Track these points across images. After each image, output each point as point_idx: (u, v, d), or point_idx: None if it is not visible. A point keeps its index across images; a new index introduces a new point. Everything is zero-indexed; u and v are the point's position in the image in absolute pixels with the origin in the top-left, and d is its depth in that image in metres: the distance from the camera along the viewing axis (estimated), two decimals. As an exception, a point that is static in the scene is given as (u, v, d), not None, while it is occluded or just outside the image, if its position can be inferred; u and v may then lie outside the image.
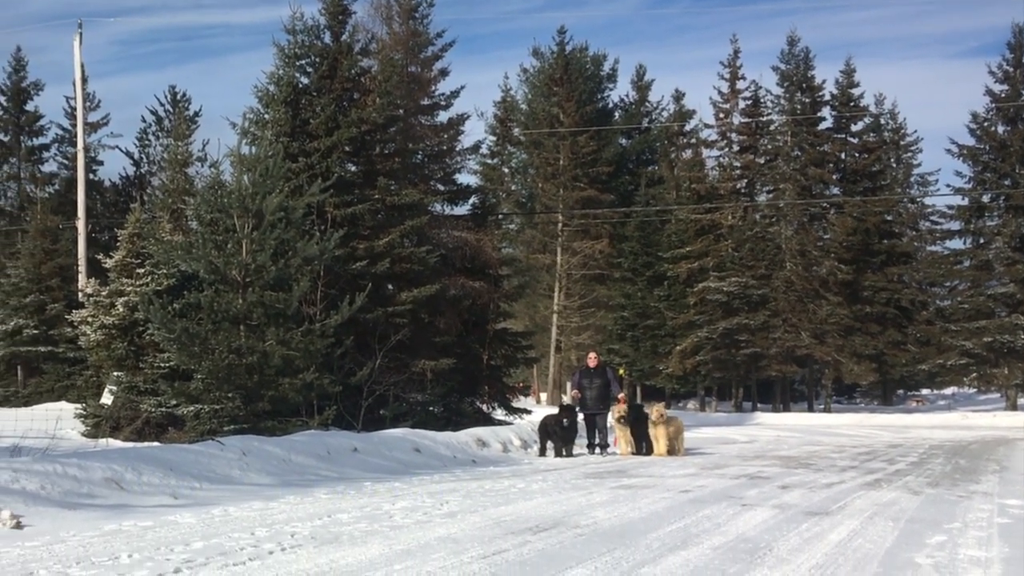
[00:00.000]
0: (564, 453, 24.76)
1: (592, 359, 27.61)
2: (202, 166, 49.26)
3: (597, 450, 26.07)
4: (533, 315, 68.44)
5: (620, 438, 25.88)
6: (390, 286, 33.04)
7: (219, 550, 9.79)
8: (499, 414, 37.48)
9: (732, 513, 12.85)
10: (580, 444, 25.95)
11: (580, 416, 26.06)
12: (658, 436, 24.91)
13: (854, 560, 9.69)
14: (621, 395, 27.53)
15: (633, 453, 25.33)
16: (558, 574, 8.74)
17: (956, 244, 65.69)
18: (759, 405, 69.40)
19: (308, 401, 25.32)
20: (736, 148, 69.13)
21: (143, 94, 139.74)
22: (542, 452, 25.27)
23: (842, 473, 19.71)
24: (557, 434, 24.98)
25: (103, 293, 29.42)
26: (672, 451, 24.83)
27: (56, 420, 23.39)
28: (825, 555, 9.93)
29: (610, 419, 26.75)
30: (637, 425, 25.61)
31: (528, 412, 38.69)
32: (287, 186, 26.88)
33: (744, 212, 66.63)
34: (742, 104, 68.42)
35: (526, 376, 71.62)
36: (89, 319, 29.42)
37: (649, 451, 25.10)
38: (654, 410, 25.54)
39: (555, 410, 28.18)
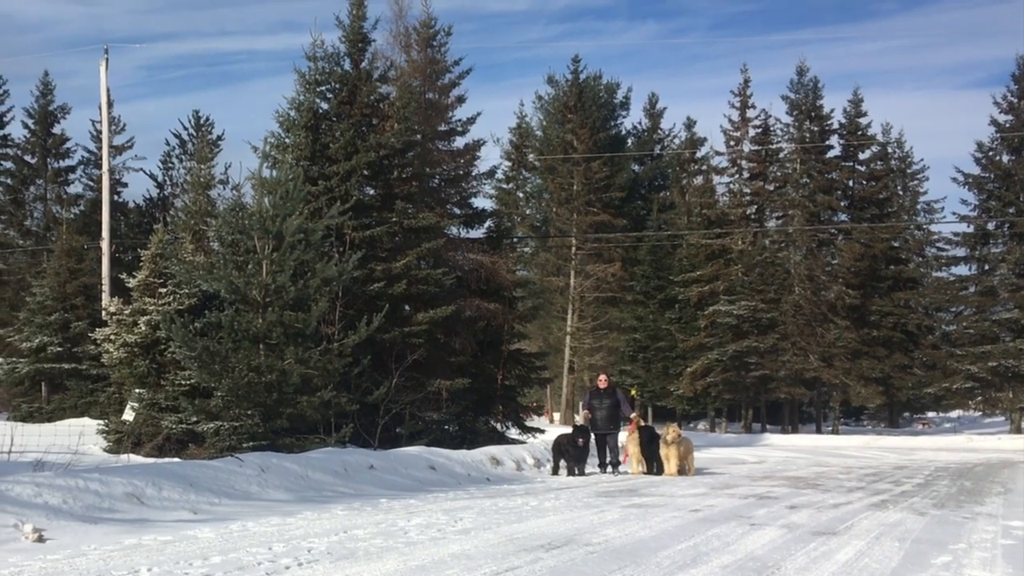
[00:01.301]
0: (576, 472, 24.67)
1: (602, 380, 27.34)
2: (224, 189, 49.17)
3: (609, 469, 25.81)
4: (547, 336, 68.47)
5: (631, 457, 25.88)
6: (407, 307, 33.06)
7: (237, 564, 9.77)
8: (513, 433, 37.47)
9: (741, 532, 12.80)
10: (592, 463, 25.82)
11: (592, 436, 25.96)
12: (670, 456, 24.85)
13: (861, 580, 9.66)
14: (634, 415, 27.43)
15: (644, 472, 25.35)
16: (570, 591, 8.71)
17: (961, 270, 65.86)
18: (768, 426, 69.24)
19: (326, 419, 25.32)
20: (746, 175, 69.36)
21: (167, 118, 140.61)
22: (555, 471, 25.20)
23: (849, 494, 19.64)
24: (570, 453, 24.90)
25: (126, 312, 29.43)
26: (683, 471, 24.77)
27: (79, 436, 23.48)
28: (832, 574, 9.90)
29: (622, 438, 26.73)
30: (649, 445, 25.63)
31: (541, 431, 38.65)
32: (307, 209, 26.94)
33: (754, 237, 66.78)
34: (752, 132, 68.68)
35: (539, 396, 71.63)
36: (112, 337, 29.44)
37: (660, 471, 25.01)
38: (669, 430, 25.41)
39: (568, 430, 28.11)
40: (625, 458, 26.23)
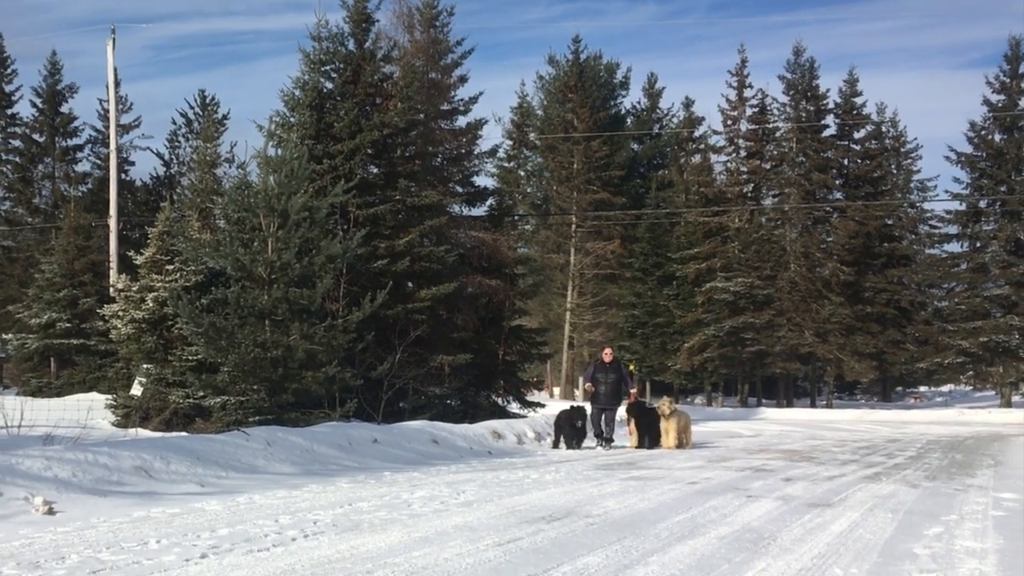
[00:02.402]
0: (574, 445, 24.71)
1: (607, 354, 26.83)
2: (230, 167, 49.23)
3: (604, 443, 25.51)
4: (547, 312, 68.40)
5: (633, 432, 25.86)
6: (410, 284, 33.03)
7: (244, 536, 9.79)
8: (514, 407, 37.49)
9: (738, 504, 12.83)
10: (589, 436, 25.72)
11: (590, 410, 25.85)
12: (668, 429, 24.95)
13: (855, 550, 9.66)
14: (633, 390, 27.34)
15: (638, 446, 25.36)
16: (570, 562, 8.72)
17: (954, 247, 66.16)
18: (764, 401, 69.38)
19: (330, 394, 25.32)
20: (743, 154, 69.41)
21: (174, 97, 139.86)
22: (556, 444, 25.16)
23: (843, 466, 19.66)
24: (567, 431, 24.96)
25: (134, 288, 29.41)
26: (680, 444, 24.86)
27: (87, 410, 23.41)
28: (827, 545, 9.91)
29: (621, 412, 26.70)
30: (642, 419, 25.66)
31: (542, 406, 38.66)
32: (311, 187, 26.88)
33: (750, 215, 66.79)
34: (749, 112, 68.67)
35: (540, 371, 71.56)
36: (120, 313, 29.42)
37: (654, 444, 25.10)
38: (663, 403, 25.54)
39: (569, 405, 28.12)
40: (631, 431, 26.15)
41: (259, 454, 16.92)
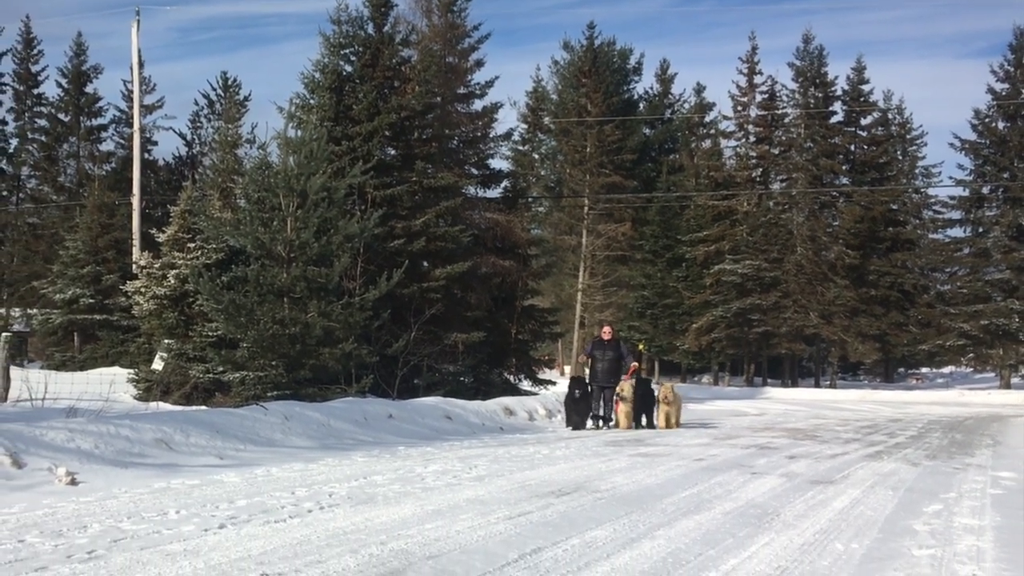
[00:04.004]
0: (576, 425, 24.06)
1: (606, 332, 26.05)
2: (250, 148, 49.02)
3: (600, 423, 24.83)
4: (559, 293, 68.36)
5: (620, 413, 24.54)
6: (425, 263, 33.05)
7: (261, 508, 9.81)
8: (525, 385, 37.57)
9: (742, 481, 12.83)
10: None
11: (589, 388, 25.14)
12: (667, 413, 24.55)
13: (856, 526, 9.67)
14: (633, 365, 26.85)
15: (629, 427, 24.24)
16: (579, 535, 8.73)
17: (957, 232, 66.38)
18: (769, 380, 69.38)
19: (347, 370, 25.34)
20: (752, 139, 69.55)
21: (196, 79, 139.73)
22: (568, 422, 24.90)
23: (846, 445, 19.66)
24: (569, 407, 24.50)
25: (156, 266, 29.42)
26: (668, 424, 24.44)
27: (110, 384, 23.45)
28: (829, 521, 9.91)
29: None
30: (643, 400, 24.83)
31: (552, 383, 38.74)
32: (330, 168, 26.92)
33: (758, 199, 66.86)
34: (759, 98, 68.73)
35: (551, 350, 71.57)
36: (142, 290, 29.43)
37: (649, 424, 24.62)
38: (665, 389, 25.12)
39: (568, 379, 27.89)
40: (618, 410, 24.72)
41: (277, 428, 16.95)
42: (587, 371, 26.05)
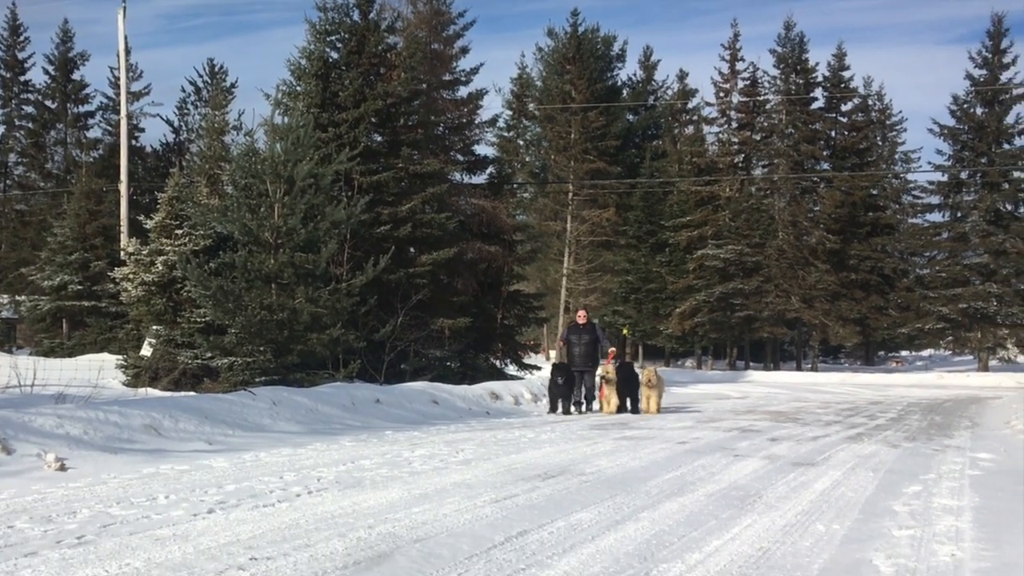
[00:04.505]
0: (560, 410, 23.75)
1: (581, 316, 25.92)
2: (238, 134, 49.00)
3: (583, 407, 24.69)
4: (544, 278, 68.40)
5: (605, 397, 24.34)
6: (411, 249, 33.07)
7: (250, 492, 9.82)
8: (511, 370, 37.63)
9: (725, 463, 12.87)
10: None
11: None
12: (650, 396, 24.19)
13: (837, 507, 9.70)
14: (612, 349, 26.72)
15: (618, 411, 24.01)
16: (564, 517, 8.75)
17: (935, 217, 66.62)
18: (751, 364, 69.59)
19: (334, 355, 25.39)
20: (734, 125, 69.94)
21: (183, 66, 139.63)
22: (552, 408, 24.63)
23: (827, 427, 19.72)
24: (553, 392, 24.22)
25: (144, 252, 29.39)
26: (651, 408, 24.09)
27: (98, 370, 23.43)
28: (810, 502, 9.94)
29: (598, 375, 25.51)
30: (627, 384, 24.48)
31: (538, 368, 38.76)
32: (317, 154, 26.91)
33: (741, 185, 67.24)
34: (741, 84, 69.42)
35: (537, 335, 71.64)
36: (130, 276, 29.41)
37: (635, 409, 24.19)
38: (648, 372, 24.68)
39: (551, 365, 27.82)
40: (602, 395, 24.51)
41: (265, 413, 16.96)
42: (563, 356, 25.93)
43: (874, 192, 70.79)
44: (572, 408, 24.30)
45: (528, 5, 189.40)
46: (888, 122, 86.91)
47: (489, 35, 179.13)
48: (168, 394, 21.99)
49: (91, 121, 72.79)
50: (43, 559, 6.88)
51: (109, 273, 35.20)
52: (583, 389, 24.84)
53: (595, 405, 24.85)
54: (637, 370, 25.71)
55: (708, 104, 72.40)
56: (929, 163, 70.51)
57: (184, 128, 70.01)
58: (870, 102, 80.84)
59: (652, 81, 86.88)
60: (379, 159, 32.63)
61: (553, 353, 70.49)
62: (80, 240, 43.78)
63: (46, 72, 71.68)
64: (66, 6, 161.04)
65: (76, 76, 71.98)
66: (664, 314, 66.18)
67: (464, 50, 40.63)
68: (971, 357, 69.40)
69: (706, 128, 73.78)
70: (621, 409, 24.12)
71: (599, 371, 24.79)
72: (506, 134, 74.78)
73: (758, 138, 68.56)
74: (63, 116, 71.44)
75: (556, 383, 24.04)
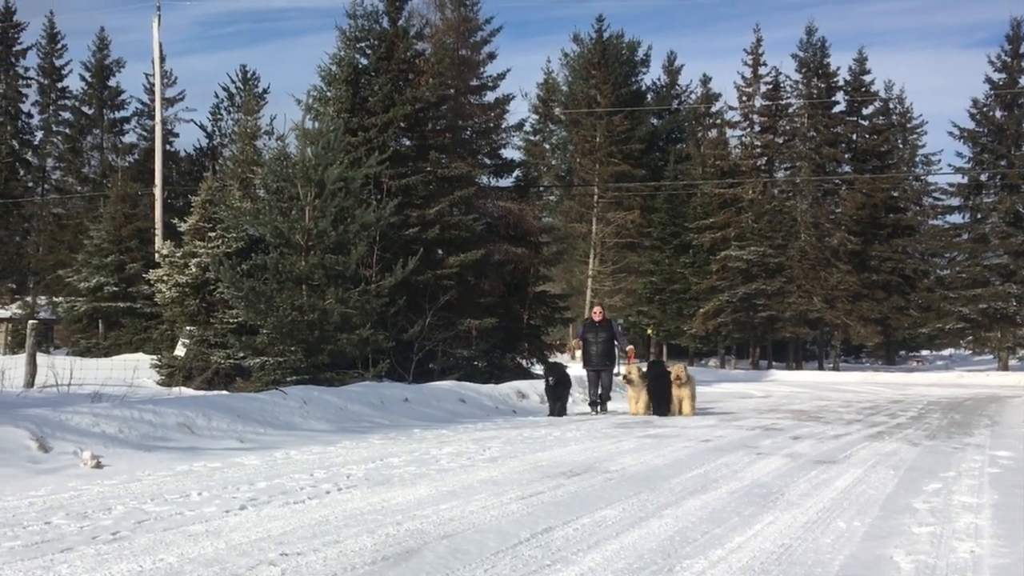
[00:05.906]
0: (556, 412, 22.50)
1: (597, 313, 24.82)
2: (269, 139, 49.05)
3: (598, 408, 23.56)
4: (570, 279, 68.47)
5: (633, 398, 22.94)
6: (439, 251, 33.09)
7: (281, 489, 9.82)
8: (537, 369, 37.48)
9: (748, 461, 12.82)
10: (576, 400, 24.60)
11: (585, 374, 24.25)
12: (683, 397, 22.32)
13: (858, 504, 9.66)
14: (630, 347, 26.15)
15: (649, 413, 22.41)
16: (589, 514, 8.73)
17: (956, 219, 66.55)
18: (774, 363, 69.45)
19: (364, 355, 25.41)
20: (757, 128, 69.62)
21: (217, 72, 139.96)
22: (551, 411, 22.96)
23: (848, 426, 19.63)
24: (548, 394, 23.26)
25: (177, 254, 29.48)
26: (681, 410, 22.28)
27: (133, 370, 23.50)
28: (832, 500, 9.90)
29: (618, 372, 24.87)
30: (657, 383, 22.62)
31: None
32: (347, 158, 26.95)
33: (763, 187, 67.13)
34: (763, 88, 68.93)
35: (562, 334, 71.64)
36: (164, 278, 29.50)
37: (665, 412, 22.15)
38: (678, 368, 22.79)
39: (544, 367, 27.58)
40: (632, 396, 23.08)
41: (296, 412, 16.98)
42: (579, 355, 25.11)
43: (895, 194, 70.59)
44: (589, 408, 23.79)
45: (554, 11, 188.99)
46: (908, 125, 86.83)
47: (515, 41, 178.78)
48: (201, 393, 22.04)
49: (127, 126, 73.20)
50: (79, 554, 6.90)
51: (144, 275, 35.33)
52: (599, 388, 23.75)
53: (610, 405, 23.92)
54: (668, 368, 23.64)
55: (731, 108, 72.24)
56: (949, 165, 70.27)
57: (217, 133, 70.48)
58: (891, 105, 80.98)
59: (676, 86, 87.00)
60: (408, 163, 32.70)
61: (579, 353, 70.63)
62: (116, 243, 43.91)
63: (83, 79, 72.08)
64: (103, 14, 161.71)
65: (112, 83, 72.31)
66: (688, 314, 66.10)
67: (491, 56, 40.71)
68: (991, 356, 69.21)
69: (729, 131, 73.58)
70: (655, 410, 22.40)
71: (622, 371, 24.18)
72: (532, 138, 74.95)
73: (780, 141, 68.43)
74: (99, 122, 71.68)
75: (548, 385, 23.18)
